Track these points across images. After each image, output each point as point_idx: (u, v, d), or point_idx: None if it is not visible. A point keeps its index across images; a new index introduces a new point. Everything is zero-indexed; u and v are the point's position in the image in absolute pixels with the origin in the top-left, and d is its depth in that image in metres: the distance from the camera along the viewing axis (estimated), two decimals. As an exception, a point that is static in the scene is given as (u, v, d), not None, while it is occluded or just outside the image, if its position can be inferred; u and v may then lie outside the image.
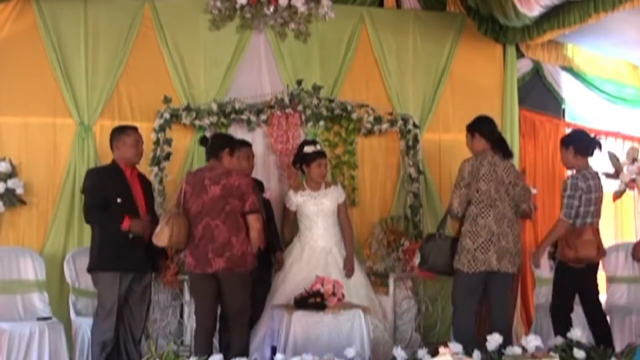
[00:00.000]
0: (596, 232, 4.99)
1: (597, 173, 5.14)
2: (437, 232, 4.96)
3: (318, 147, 5.50)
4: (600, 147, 5.18)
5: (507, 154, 4.90)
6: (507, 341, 4.52)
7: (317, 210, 5.37)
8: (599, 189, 5.06)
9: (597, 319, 5.06)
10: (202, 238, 4.59)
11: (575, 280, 4.99)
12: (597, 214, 5.05)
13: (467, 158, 4.87)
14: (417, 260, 5.01)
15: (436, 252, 4.88)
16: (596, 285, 5.13)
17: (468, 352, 4.23)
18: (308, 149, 5.43)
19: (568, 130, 7.12)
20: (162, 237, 4.57)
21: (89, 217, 4.84)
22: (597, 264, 5.13)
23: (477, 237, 4.73)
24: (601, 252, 5.00)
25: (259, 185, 5.54)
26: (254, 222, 4.60)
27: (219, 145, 4.77)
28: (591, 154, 5.13)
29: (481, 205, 4.75)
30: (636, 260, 5.26)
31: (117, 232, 4.71)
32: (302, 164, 5.49)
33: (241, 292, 4.64)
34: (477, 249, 4.71)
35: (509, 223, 4.79)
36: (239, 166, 5.35)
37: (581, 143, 5.11)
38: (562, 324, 4.87)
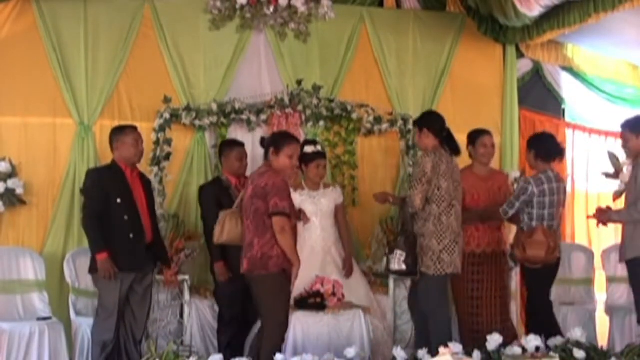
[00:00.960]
0: (548, 233, 4.98)
1: (557, 176, 5.13)
2: (407, 229, 4.78)
3: (319, 147, 5.48)
4: (562, 156, 5.21)
5: (455, 151, 4.78)
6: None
7: (315, 210, 5.36)
8: (557, 191, 5.05)
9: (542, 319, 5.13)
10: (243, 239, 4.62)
11: (537, 278, 5.06)
12: (553, 217, 5.06)
13: (425, 153, 4.72)
14: (394, 265, 4.75)
15: (415, 253, 4.71)
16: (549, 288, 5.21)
17: (468, 352, 4.23)
18: (308, 148, 5.41)
19: (568, 131, 7.16)
20: (215, 234, 4.67)
21: (87, 224, 4.77)
22: (556, 267, 5.14)
23: (442, 238, 4.61)
24: (549, 253, 4.96)
25: None
26: (274, 225, 4.35)
27: (266, 144, 4.63)
28: (552, 161, 5.14)
29: (444, 204, 4.63)
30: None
31: (118, 232, 4.70)
32: (302, 163, 5.49)
33: (262, 295, 4.44)
34: (442, 251, 4.60)
35: (461, 224, 4.76)
36: (233, 166, 5.36)
37: (543, 149, 5.13)
38: (544, 321, 4.97)
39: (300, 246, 5.38)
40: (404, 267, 4.66)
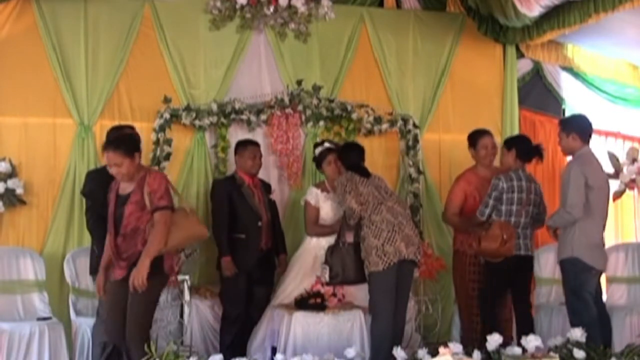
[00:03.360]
0: (504, 227, 4.99)
1: (529, 177, 5.19)
2: (339, 241, 4.88)
3: (326, 144, 5.49)
4: (542, 156, 5.24)
5: (365, 175, 4.99)
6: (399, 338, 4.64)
7: (334, 215, 5.33)
8: (527, 190, 5.09)
9: (523, 316, 5.16)
10: None
11: (494, 274, 5.07)
12: (519, 213, 5.08)
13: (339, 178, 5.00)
14: (326, 275, 4.86)
15: (347, 262, 4.83)
16: (525, 282, 5.23)
17: (468, 352, 4.23)
18: (317, 150, 5.46)
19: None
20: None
21: (93, 226, 4.77)
22: (526, 261, 5.14)
23: (379, 232, 4.73)
24: (502, 245, 4.96)
25: (266, 187, 5.56)
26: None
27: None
28: (530, 160, 5.20)
29: (370, 205, 4.80)
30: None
31: None
32: (319, 167, 5.51)
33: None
34: (384, 244, 4.70)
35: (402, 217, 4.85)
36: (246, 165, 5.37)
37: (524, 148, 5.18)
38: (486, 315, 5.05)
39: (304, 246, 5.38)
40: (328, 279, 4.85)
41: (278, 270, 5.49)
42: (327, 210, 5.35)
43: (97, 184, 4.72)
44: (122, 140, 4.32)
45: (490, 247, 4.97)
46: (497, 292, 5.13)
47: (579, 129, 4.93)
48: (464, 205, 5.33)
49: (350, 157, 5.10)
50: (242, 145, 5.48)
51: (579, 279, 4.73)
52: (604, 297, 6.12)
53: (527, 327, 5.04)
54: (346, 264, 4.83)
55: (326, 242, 5.21)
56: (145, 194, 4.20)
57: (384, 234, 4.72)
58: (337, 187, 4.96)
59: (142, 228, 4.21)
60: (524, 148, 5.17)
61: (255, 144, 5.51)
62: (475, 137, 5.39)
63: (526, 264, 5.18)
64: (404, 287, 4.84)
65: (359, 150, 5.17)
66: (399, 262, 4.70)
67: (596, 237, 4.82)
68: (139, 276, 4.07)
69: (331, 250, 4.89)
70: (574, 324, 4.67)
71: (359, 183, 4.87)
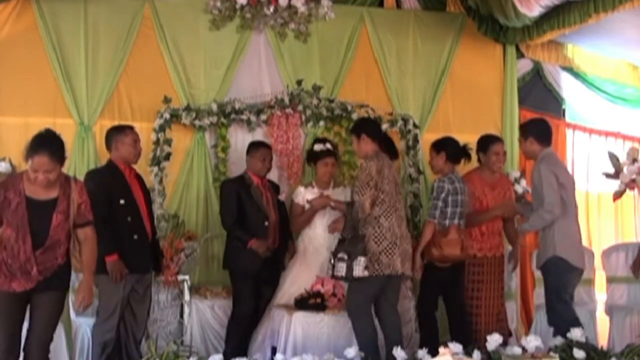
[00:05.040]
0: (460, 231, 5.09)
1: (460, 177, 5.25)
2: (346, 238, 4.72)
3: (328, 145, 5.50)
4: (469, 156, 5.31)
5: (394, 154, 4.82)
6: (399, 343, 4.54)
7: (323, 209, 5.36)
8: (462, 192, 5.16)
9: (460, 319, 5.20)
10: None
11: (441, 279, 5.12)
12: (461, 215, 5.16)
13: (368, 158, 4.71)
14: (359, 272, 4.55)
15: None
16: (462, 285, 5.27)
17: (468, 352, 4.23)
18: (317, 147, 5.44)
19: (568, 131, 7.16)
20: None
21: (95, 226, 4.73)
22: (463, 264, 5.22)
23: (382, 239, 4.58)
24: (464, 251, 5.06)
25: (274, 188, 5.56)
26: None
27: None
28: (459, 162, 5.27)
29: (384, 206, 4.63)
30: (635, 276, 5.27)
31: (122, 234, 4.69)
32: (311, 161, 5.52)
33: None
34: (381, 252, 4.56)
35: (405, 227, 4.75)
36: (255, 166, 5.39)
37: (453, 150, 5.24)
38: (426, 322, 5.11)
39: (304, 246, 5.39)
40: (366, 273, 4.54)
41: (287, 257, 5.50)
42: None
43: (96, 185, 4.71)
44: (59, 145, 4.01)
45: (453, 253, 5.03)
46: (437, 295, 5.20)
47: (534, 132, 4.97)
48: (472, 207, 5.33)
49: (378, 129, 4.89)
50: (254, 146, 5.48)
51: (563, 279, 4.74)
52: (604, 297, 6.16)
53: (464, 327, 5.15)
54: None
55: (318, 233, 5.28)
56: (71, 203, 4.01)
57: (384, 243, 4.59)
58: (361, 172, 4.68)
59: (62, 240, 4.03)
60: (452, 150, 5.24)
61: (266, 146, 5.52)
62: (487, 143, 5.39)
63: (463, 265, 5.27)
64: (391, 300, 4.75)
65: (379, 124, 5.00)
66: (388, 276, 4.60)
67: (575, 235, 4.84)
68: (89, 295, 4.12)
69: (359, 243, 4.63)
70: (554, 325, 4.68)
71: (385, 178, 4.63)
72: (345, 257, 4.56)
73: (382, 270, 4.56)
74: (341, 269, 4.57)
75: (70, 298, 5.27)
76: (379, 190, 4.61)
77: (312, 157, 5.50)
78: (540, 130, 5.01)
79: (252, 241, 5.18)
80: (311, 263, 5.30)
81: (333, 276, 4.68)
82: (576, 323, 4.63)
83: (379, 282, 4.60)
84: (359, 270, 4.53)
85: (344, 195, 5.46)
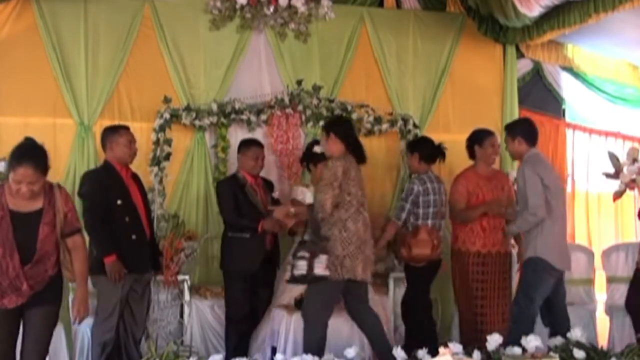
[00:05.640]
0: (432, 232, 5.14)
1: (437, 177, 5.33)
2: (307, 240, 4.72)
3: None
4: (444, 156, 5.38)
5: (361, 159, 4.64)
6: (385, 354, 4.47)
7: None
8: (439, 191, 5.23)
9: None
10: None
11: (420, 279, 5.20)
12: (436, 215, 5.22)
13: (335, 158, 4.56)
14: (288, 274, 4.62)
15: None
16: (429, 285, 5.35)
17: (468, 352, 4.22)
18: (317, 148, 5.41)
19: (568, 131, 7.16)
20: None
21: (92, 227, 4.68)
22: (438, 264, 5.29)
23: (348, 243, 4.46)
24: (434, 251, 5.13)
25: (268, 185, 5.55)
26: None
27: None
28: (434, 162, 5.34)
29: (352, 209, 4.50)
30: None
31: (120, 234, 4.69)
32: (309, 162, 5.50)
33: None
34: (346, 256, 4.45)
35: (369, 233, 4.62)
36: (248, 165, 5.34)
37: (426, 150, 5.33)
38: (413, 317, 5.16)
39: None
40: (327, 272, 4.44)
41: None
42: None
43: (95, 185, 4.72)
44: (42, 156, 3.82)
45: (423, 253, 5.09)
46: (421, 295, 5.22)
47: (523, 132, 4.98)
48: (468, 203, 5.33)
49: (348, 130, 4.68)
50: (246, 144, 5.43)
51: (538, 277, 4.74)
52: (604, 297, 6.15)
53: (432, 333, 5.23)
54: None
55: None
56: (57, 212, 3.84)
57: (350, 247, 4.46)
58: (327, 171, 4.53)
59: (51, 251, 3.86)
60: (426, 150, 5.32)
61: (258, 144, 5.46)
62: (483, 136, 5.38)
63: (438, 265, 5.31)
64: (357, 306, 4.68)
65: (353, 125, 4.86)
66: (347, 281, 4.51)
67: (558, 237, 4.83)
68: (85, 306, 3.99)
69: (304, 243, 4.66)
70: (514, 320, 4.71)
71: (352, 180, 4.50)
72: (307, 255, 4.47)
73: (343, 273, 4.45)
74: (302, 267, 4.46)
75: (71, 298, 5.29)
76: (344, 192, 4.47)
77: (311, 159, 5.47)
78: (529, 130, 5.01)
79: (263, 222, 5.10)
80: None
81: (292, 277, 4.54)
82: (531, 325, 4.66)
83: (338, 286, 4.51)
84: (320, 268, 4.43)
85: None
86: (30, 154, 3.78)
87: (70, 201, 3.94)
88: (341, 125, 4.70)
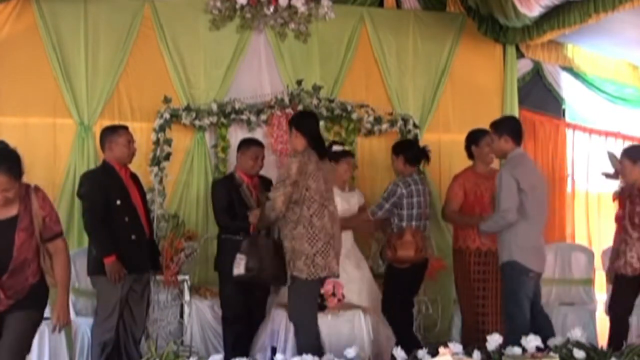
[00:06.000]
0: (416, 233, 5.16)
1: (421, 179, 5.39)
2: (257, 232, 4.57)
3: (346, 147, 5.53)
4: (428, 158, 5.43)
5: (322, 155, 4.53)
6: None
7: (347, 208, 5.34)
8: (423, 193, 5.27)
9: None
10: None
11: (404, 280, 5.19)
12: (420, 217, 5.25)
13: (294, 154, 4.49)
14: (241, 267, 4.41)
15: (265, 258, 4.40)
16: (419, 287, 5.39)
17: (468, 352, 4.22)
18: (337, 147, 5.41)
19: (568, 131, 7.17)
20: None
21: (92, 228, 4.71)
22: (423, 266, 5.30)
23: (316, 240, 4.36)
24: (418, 252, 5.14)
25: (266, 185, 5.52)
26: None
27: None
28: (419, 164, 5.39)
29: (315, 205, 4.38)
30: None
31: (120, 234, 4.68)
32: (330, 161, 5.48)
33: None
34: (316, 254, 4.35)
35: (337, 227, 4.54)
36: (246, 165, 5.32)
37: (411, 153, 5.35)
38: (392, 322, 5.12)
39: None
40: (243, 271, 4.37)
41: None
42: (340, 207, 5.30)
43: (94, 186, 4.72)
44: (16, 161, 3.59)
45: (408, 255, 5.10)
46: (403, 296, 5.23)
47: (511, 130, 4.91)
48: (464, 203, 5.34)
49: (312, 126, 4.55)
50: (246, 143, 5.38)
51: (517, 281, 4.72)
52: (604, 297, 6.14)
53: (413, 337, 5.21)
54: (264, 261, 4.42)
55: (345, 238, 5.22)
56: (34, 216, 3.61)
57: (319, 244, 4.37)
58: (282, 169, 4.48)
59: (31, 258, 3.64)
60: (411, 153, 5.34)
61: (259, 144, 5.42)
62: (478, 135, 5.38)
63: (424, 266, 5.33)
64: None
65: (318, 121, 4.74)
66: (326, 277, 4.50)
67: (533, 240, 4.79)
68: (65, 314, 3.78)
69: (250, 241, 4.48)
70: (508, 327, 4.66)
71: (310, 175, 4.37)
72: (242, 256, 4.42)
73: (318, 272, 4.39)
74: (238, 265, 4.42)
75: (71, 297, 5.29)
76: (301, 188, 4.35)
77: (333, 157, 5.31)
78: (516, 129, 4.95)
79: (250, 217, 4.90)
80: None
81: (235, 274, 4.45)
82: (525, 327, 4.62)
83: (315, 285, 4.48)
84: (236, 269, 4.40)
85: (358, 197, 5.53)
86: (3, 159, 3.52)
87: (48, 204, 3.70)
88: (304, 121, 4.61)
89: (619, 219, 5.23)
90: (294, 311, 4.52)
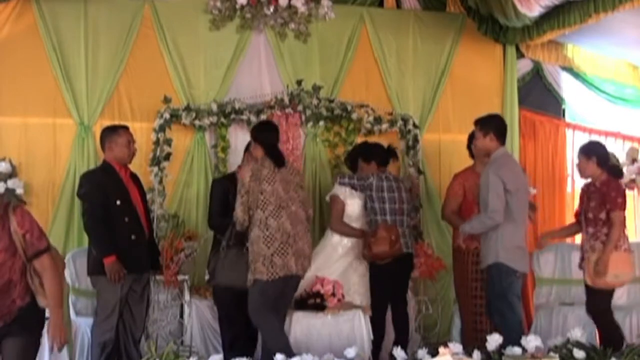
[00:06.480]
0: (390, 228, 5.15)
1: (395, 177, 5.47)
2: (225, 243, 4.77)
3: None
4: (396, 155, 5.56)
5: (279, 163, 4.66)
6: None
7: (360, 212, 5.38)
8: (397, 189, 5.31)
9: (401, 317, 5.29)
10: None
11: (386, 276, 5.18)
12: (395, 212, 5.28)
13: (247, 164, 4.77)
14: (206, 276, 4.87)
15: (224, 264, 4.71)
16: (406, 281, 5.41)
17: (468, 352, 4.23)
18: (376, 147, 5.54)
19: (568, 131, 7.16)
20: None
21: (92, 228, 4.70)
22: (407, 261, 5.32)
23: (272, 240, 4.48)
24: (392, 246, 5.12)
25: None
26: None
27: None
28: (388, 163, 5.50)
29: (270, 207, 4.52)
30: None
31: (119, 235, 4.68)
32: (354, 164, 5.52)
33: None
34: (274, 254, 4.47)
35: (303, 225, 4.65)
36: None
37: (380, 157, 5.45)
38: (375, 321, 5.10)
39: (335, 242, 5.36)
40: (207, 276, 4.82)
41: None
42: (353, 207, 5.35)
43: (94, 186, 4.72)
44: None
45: (382, 250, 5.09)
46: (385, 293, 5.21)
47: (496, 129, 4.89)
48: (463, 203, 5.34)
49: (269, 136, 4.75)
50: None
51: (505, 283, 4.70)
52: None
53: (403, 324, 5.25)
54: (221, 266, 4.73)
55: (348, 240, 5.28)
56: (13, 235, 3.36)
57: (275, 244, 4.48)
58: (239, 180, 4.64)
59: (16, 279, 3.42)
60: (380, 157, 5.43)
61: None
62: None
63: (407, 261, 5.33)
64: (285, 301, 4.72)
65: (276, 131, 4.88)
66: (285, 278, 4.55)
67: (518, 241, 4.79)
68: (61, 333, 3.55)
69: (213, 249, 4.85)
70: (500, 327, 4.63)
71: (264, 179, 4.55)
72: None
73: (276, 272, 4.47)
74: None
75: (71, 297, 5.29)
76: (255, 193, 4.52)
77: (354, 160, 5.51)
78: (501, 127, 4.94)
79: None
80: (334, 257, 5.28)
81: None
82: (518, 326, 4.66)
83: (276, 285, 4.52)
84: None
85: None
86: None
87: (27, 220, 3.41)
88: (261, 133, 4.80)
89: (577, 216, 5.22)
90: (253, 312, 4.55)
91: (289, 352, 4.27)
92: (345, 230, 5.32)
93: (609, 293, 4.99)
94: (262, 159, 4.66)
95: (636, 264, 6.03)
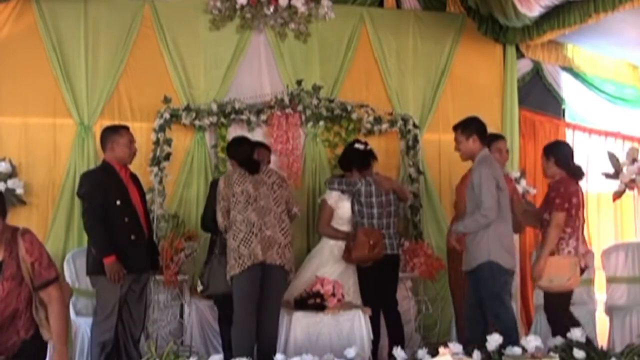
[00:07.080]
0: (369, 232, 5.18)
1: (375, 180, 5.41)
2: (212, 254, 4.90)
3: (368, 146, 5.56)
4: (375, 158, 5.50)
5: (252, 171, 4.82)
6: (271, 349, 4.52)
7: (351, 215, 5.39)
8: (383, 193, 5.32)
9: (393, 319, 5.28)
10: None
11: (372, 279, 5.19)
12: (382, 215, 5.30)
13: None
14: (199, 287, 5.01)
15: (216, 273, 4.81)
16: (394, 284, 5.39)
17: (468, 352, 4.22)
18: (359, 146, 5.48)
19: (568, 131, 7.16)
20: None
21: (91, 227, 4.70)
22: (393, 261, 5.33)
23: (237, 233, 4.64)
24: (371, 250, 5.13)
25: None
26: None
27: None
28: (369, 166, 5.46)
29: (239, 205, 4.69)
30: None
31: (119, 235, 4.68)
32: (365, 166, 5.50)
33: None
34: (240, 245, 4.60)
35: (275, 216, 4.72)
36: None
37: (362, 162, 5.43)
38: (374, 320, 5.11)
39: (331, 244, 5.37)
40: (201, 287, 4.94)
41: None
42: (344, 210, 5.37)
43: (94, 186, 4.72)
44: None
45: (361, 255, 5.12)
46: (372, 295, 5.20)
47: (478, 131, 4.87)
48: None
49: (239, 150, 4.94)
50: (256, 146, 5.39)
51: (500, 282, 4.69)
52: (604, 297, 6.16)
53: (396, 324, 5.24)
54: (214, 275, 4.82)
55: (343, 243, 5.28)
56: (21, 262, 3.21)
57: (240, 235, 4.62)
58: (218, 190, 4.81)
59: (22, 309, 3.25)
60: (361, 162, 5.41)
61: (265, 147, 5.50)
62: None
63: (393, 262, 5.33)
64: (269, 295, 4.69)
65: (250, 144, 5.02)
66: (260, 266, 4.58)
67: (508, 239, 4.79)
68: None
69: (206, 260, 4.97)
70: (496, 327, 4.58)
71: (235, 182, 4.73)
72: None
73: (244, 262, 4.58)
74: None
75: (70, 299, 5.29)
76: (228, 197, 4.71)
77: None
78: (482, 129, 4.91)
79: None
80: (330, 260, 5.29)
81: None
82: (514, 325, 4.66)
83: (249, 275, 4.59)
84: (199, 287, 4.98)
85: None
86: None
87: (37, 249, 3.26)
88: (231, 148, 5.03)
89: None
90: (235, 310, 4.64)
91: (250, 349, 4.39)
92: (332, 233, 5.37)
93: (565, 295, 4.92)
94: (236, 167, 4.88)
95: (636, 264, 6.08)
